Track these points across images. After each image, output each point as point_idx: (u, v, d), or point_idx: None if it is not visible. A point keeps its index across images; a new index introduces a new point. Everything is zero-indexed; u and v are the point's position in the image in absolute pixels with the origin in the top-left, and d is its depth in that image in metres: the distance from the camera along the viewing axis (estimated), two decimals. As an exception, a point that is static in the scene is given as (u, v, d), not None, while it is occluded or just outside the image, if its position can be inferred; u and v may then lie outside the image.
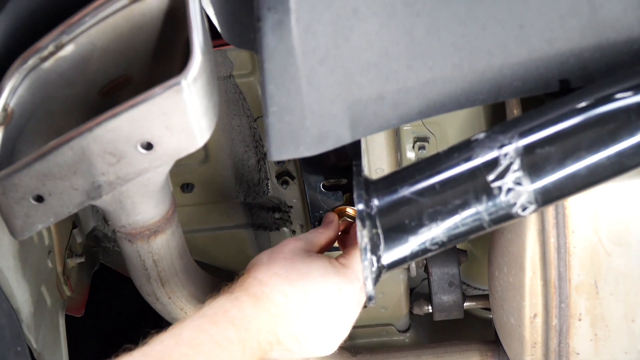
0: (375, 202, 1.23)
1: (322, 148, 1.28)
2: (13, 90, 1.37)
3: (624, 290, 1.50)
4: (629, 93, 1.13)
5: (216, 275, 1.85)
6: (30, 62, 1.38)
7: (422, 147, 2.04)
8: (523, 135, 1.16)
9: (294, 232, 2.24)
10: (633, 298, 1.51)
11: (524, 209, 1.16)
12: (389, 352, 2.22)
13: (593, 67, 1.29)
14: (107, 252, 2.26)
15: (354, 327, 2.38)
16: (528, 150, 1.15)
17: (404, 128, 2.03)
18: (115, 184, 1.32)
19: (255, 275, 1.38)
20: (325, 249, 1.54)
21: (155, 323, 1.42)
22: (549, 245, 1.47)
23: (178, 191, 2.12)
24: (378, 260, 1.22)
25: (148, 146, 1.27)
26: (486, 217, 1.18)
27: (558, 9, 1.27)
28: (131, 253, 1.57)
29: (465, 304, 2.08)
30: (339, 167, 1.84)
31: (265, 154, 2.06)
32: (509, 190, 1.15)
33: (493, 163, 1.16)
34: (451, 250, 2.06)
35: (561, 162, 1.14)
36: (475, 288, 2.44)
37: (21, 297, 1.63)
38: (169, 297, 1.68)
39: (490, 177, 1.16)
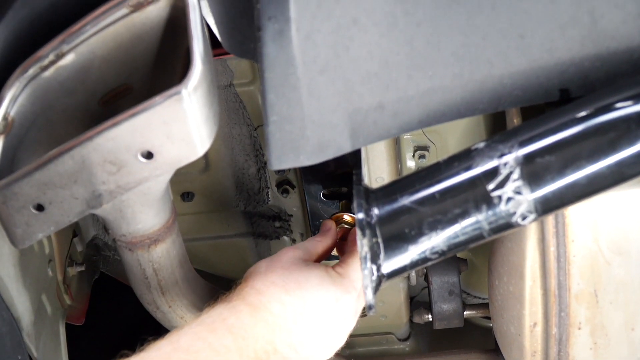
0: (375, 211, 1.23)
1: (323, 157, 1.28)
2: (13, 99, 1.38)
3: (623, 299, 1.50)
4: (629, 102, 1.13)
5: (216, 284, 1.85)
6: (31, 71, 1.38)
7: (422, 156, 2.04)
8: (523, 144, 1.16)
9: (294, 240, 2.24)
10: (633, 307, 1.51)
11: (524, 218, 1.16)
12: (389, 361, 2.23)
13: (593, 76, 1.29)
14: (107, 261, 2.26)
15: (354, 336, 2.39)
16: (528, 159, 1.15)
17: (404, 137, 2.04)
18: (115, 193, 1.32)
19: (253, 285, 1.38)
20: (323, 257, 1.54)
21: (155, 332, 1.42)
22: (549, 254, 1.47)
23: (178, 200, 2.12)
24: (378, 269, 1.22)
25: (148, 155, 1.27)
26: (486, 226, 1.17)
27: (558, 18, 1.27)
28: (131, 262, 1.57)
29: (465, 313, 2.08)
30: (339, 175, 1.84)
31: (265, 163, 2.06)
32: (509, 199, 1.15)
33: (493, 172, 1.16)
34: (451, 259, 2.06)
35: (561, 171, 1.14)
36: (475, 297, 2.43)
37: (22, 305, 1.63)
38: (169, 306, 1.68)
39: (490, 186, 1.16)
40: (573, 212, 1.42)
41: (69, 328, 1.92)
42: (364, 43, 1.27)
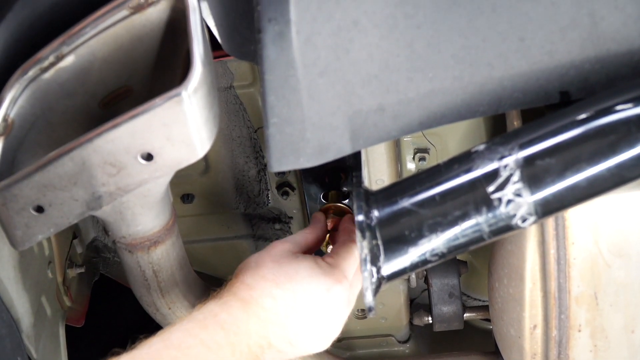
0: (375, 213, 1.23)
1: (323, 159, 1.28)
2: (13, 101, 1.38)
3: (624, 301, 1.50)
4: (629, 105, 1.13)
5: (216, 286, 1.84)
6: (31, 72, 1.38)
7: (422, 159, 2.04)
8: (523, 146, 1.16)
9: (294, 243, 2.24)
10: (633, 309, 1.51)
11: (524, 220, 1.16)
12: (389, 363, 2.23)
13: (593, 79, 1.29)
14: (107, 263, 2.26)
15: (354, 338, 2.39)
16: (528, 161, 1.15)
17: (405, 139, 2.04)
18: (115, 195, 1.32)
19: (243, 280, 1.38)
20: (314, 249, 1.53)
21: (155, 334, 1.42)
22: (549, 256, 1.47)
23: (178, 202, 2.12)
24: (378, 271, 1.22)
25: (148, 157, 1.27)
26: (486, 229, 1.17)
27: (558, 21, 1.27)
28: (131, 264, 1.57)
29: (465, 315, 2.08)
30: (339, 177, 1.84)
31: (265, 165, 2.06)
32: (509, 201, 1.15)
33: (493, 174, 1.16)
34: (451, 261, 2.06)
35: (561, 173, 1.14)
36: (475, 299, 2.43)
37: (21, 307, 1.63)
38: (169, 308, 1.68)
39: (490, 188, 1.16)
40: (573, 215, 1.42)
41: (69, 330, 1.92)
42: (364, 45, 1.27)
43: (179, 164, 1.30)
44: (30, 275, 1.67)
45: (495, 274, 1.67)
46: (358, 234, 1.21)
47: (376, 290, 1.23)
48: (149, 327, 1.79)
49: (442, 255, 1.21)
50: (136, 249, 1.52)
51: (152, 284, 1.61)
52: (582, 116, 1.15)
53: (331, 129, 1.27)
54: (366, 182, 1.87)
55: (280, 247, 1.45)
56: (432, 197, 1.20)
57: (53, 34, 1.39)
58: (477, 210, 1.17)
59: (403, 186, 1.25)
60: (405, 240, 1.20)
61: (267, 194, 2.12)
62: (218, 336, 1.28)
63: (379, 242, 1.22)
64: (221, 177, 2.09)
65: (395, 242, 1.21)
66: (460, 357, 2.15)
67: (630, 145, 1.12)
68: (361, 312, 2.28)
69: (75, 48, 1.39)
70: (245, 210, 2.16)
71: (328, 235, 1.61)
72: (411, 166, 2.07)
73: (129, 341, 1.27)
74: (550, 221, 1.43)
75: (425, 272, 2.08)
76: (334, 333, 1.44)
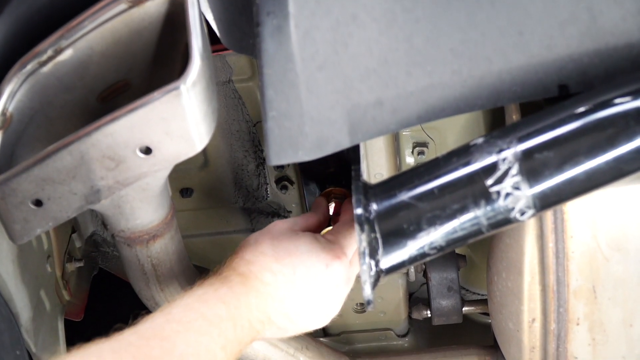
0: (374, 206, 1.24)
1: (321, 153, 1.28)
2: (12, 95, 1.37)
3: (622, 295, 1.51)
4: (628, 98, 1.13)
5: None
6: (29, 66, 1.38)
7: (421, 152, 2.04)
8: (522, 140, 1.16)
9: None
10: (631, 303, 1.51)
11: (523, 213, 1.16)
12: (388, 357, 2.23)
13: (592, 72, 1.29)
14: (106, 257, 2.26)
15: (353, 332, 2.39)
16: (527, 155, 1.15)
17: (403, 133, 2.04)
18: (114, 189, 1.32)
19: (243, 256, 1.39)
20: (315, 232, 1.53)
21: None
22: (548, 250, 1.47)
23: (177, 196, 2.12)
24: (376, 265, 1.22)
25: (147, 151, 1.27)
26: (485, 222, 1.18)
27: (557, 15, 1.27)
28: (130, 257, 1.57)
29: (464, 309, 2.08)
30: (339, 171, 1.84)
31: (264, 159, 2.06)
32: (508, 194, 1.15)
33: (492, 168, 1.16)
34: (450, 255, 2.06)
35: (560, 167, 1.14)
36: (474, 293, 2.43)
37: (20, 301, 1.63)
38: (168, 302, 1.68)
39: (489, 181, 1.16)
40: (572, 208, 1.42)
41: (68, 324, 1.92)
42: (363, 39, 1.27)
43: (177, 158, 1.30)
44: (29, 270, 1.67)
45: (493, 268, 1.67)
46: (357, 227, 1.21)
47: (375, 284, 1.23)
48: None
49: (440, 249, 1.21)
50: (135, 242, 1.52)
51: (151, 278, 1.61)
52: (581, 109, 1.15)
53: (330, 122, 1.27)
54: (365, 176, 1.86)
55: (280, 225, 1.45)
56: (431, 191, 1.20)
57: (51, 28, 1.39)
58: (476, 204, 1.17)
59: (402, 180, 1.25)
60: (404, 233, 1.20)
61: (266, 188, 2.12)
62: (219, 310, 1.28)
63: (378, 235, 1.22)
64: (220, 171, 2.09)
65: (394, 236, 1.21)
66: (459, 350, 2.15)
67: (629, 138, 1.12)
68: (360, 306, 2.28)
69: (74, 42, 1.39)
70: (244, 204, 2.15)
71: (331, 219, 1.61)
72: (410, 160, 2.07)
73: (130, 317, 1.27)
74: (549, 214, 1.44)
75: (424, 266, 2.08)
76: (333, 311, 1.45)
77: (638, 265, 1.47)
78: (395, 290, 2.23)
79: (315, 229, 1.54)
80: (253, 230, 2.22)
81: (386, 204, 1.23)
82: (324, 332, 2.40)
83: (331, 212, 1.64)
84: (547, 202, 1.16)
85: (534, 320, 1.57)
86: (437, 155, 1.25)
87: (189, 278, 1.69)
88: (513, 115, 1.51)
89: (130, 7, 1.38)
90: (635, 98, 1.13)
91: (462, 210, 1.18)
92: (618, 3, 1.27)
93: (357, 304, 2.28)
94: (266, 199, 2.14)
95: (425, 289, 2.21)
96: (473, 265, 2.32)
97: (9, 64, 1.38)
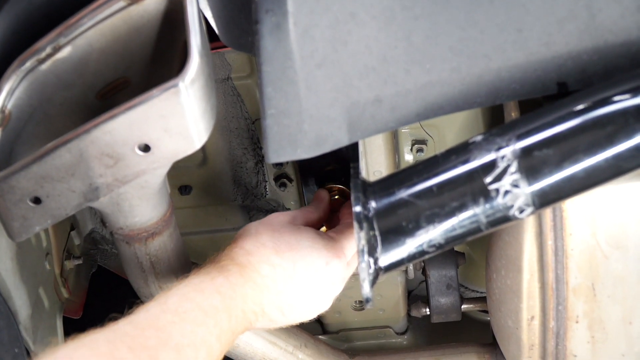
0: (373, 204, 1.24)
1: (320, 150, 1.28)
2: (10, 92, 1.37)
3: (621, 293, 1.50)
4: (627, 96, 1.13)
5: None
6: (28, 64, 1.38)
7: (420, 150, 2.04)
8: (521, 137, 1.16)
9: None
10: (630, 301, 1.51)
11: (522, 211, 1.16)
12: (386, 355, 2.22)
13: (591, 70, 1.29)
14: (105, 255, 2.26)
15: (351, 329, 2.39)
16: (526, 152, 1.15)
17: (402, 131, 2.04)
18: (112, 186, 1.32)
19: (243, 245, 1.39)
20: (314, 227, 1.53)
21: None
22: (547, 247, 1.47)
23: (176, 193, 2.11)
24: (375, 262, 1.22)
25: (145, 148, 1.27)
26: (483, 220, 1.18)
27: (556, 13, 1.27)
28: (129, 255, 1.56)
29: (462, 307, 2.08)
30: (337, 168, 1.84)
31: (263, 157, 2.06)
32: (507, 192, 1.15)
33: (490, 165, 1.16)
34: (449, 252, 2.06)
35: (559, 164, 1.14)
36: (473, 290, 2.44)
37: (19, 299, 1.63)
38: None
39: (488, 179, 1.16)
40: (571, 206, 1.42)
41: (67, 321, 1.92)
42: (362, 37, 1.27)
43: (176, 156, 1.30)
44: (27, 267, 1.67)
45: (492, 265, 1.67)
46: (355, 225, 1.21)
47: (373, 282, 1.23)
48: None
49: (439, 246, 1.21)
50: (133, 240, 1.52)
51: (150, 276, 1.61)
52: (580, 107, 1.15)
53: (329, 120, 1.27)
54: (364, 174, 1.87)
55: (281, 217, 1.45)
56: (430, 188, 1.20)
57: (50, 25, 1.39)
58: (475, 201, 1.17)
59: (400, 177, 1.25)
60: (403, 231, 1.20)
61: (265, 186, 2.12)
62: (214, 300, 1.27)
63: (377, 233, 1.22)
64: (219, 169, 2.09)
65: (393, 233, 1.21)
66: (457, 348, 2.15)
67: (628, 136, 1.12)
68: (359, 304, 2.28)
69: (73, 39, 1.39)
70: (243, 201, 2.15)
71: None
72: (409, 157, 2.07)
73: (126, 306, 1.26)
74: (548, 212, 1.44)
75: (423, 264, 2.08)
76: (323, 307, 1.45)
77: (637, 263, 1.47)
78: (394, 287, 2.23)
79: (315, 225, 1.53)
80: (252, 228, 2.22)
81: (385, 201, 1.23)
82: (323, 329, 2.40)
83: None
84: (546, 199, 1.16)
85: (533, 318, 1.57)
86: (436, 153, 1.25)
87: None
88: (512, 113, 1.51)
89: (129, 5, 1.38)
90: (634, 95, 1.13)
91: (461, 208, 1.18)
92: (617, 0, 1.27)
93: (356, 302, 2.28)
94: (265, 196, 2.14)
95: (424, 287, 2.21)
96: (472, 262, 2.32)
97: (8, 61, 1.38)
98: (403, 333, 2.46)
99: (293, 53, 1.24)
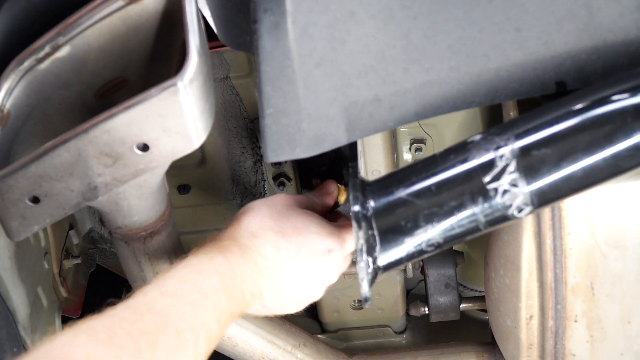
0: (371, 203, 1.24)
1: (319, 150, 1.28)
2: (9, 92, 1.37)
3: (620, 292, 1.50)
4: (625, 95, 1.13)
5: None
6: (27, 63, 1.38)
7: (418, 149, 2.04)
8: (519, 137, 1.16)
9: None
10: (629, 300, 1.51)
11: (520, 210, 1.16)
12: (385, 354, 2.22)
13: (589, 69, 1.29)
14: (103, 254, 2.26)
15: (350, 329, 2.39)
16: (524, 152, 1.15)
17: (401, 130, 2.04)
18: (111, 185, 1.32)
19: (247, 227, 1.37)
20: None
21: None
22: (545, 247, 1.47)
23: (175, 192, 2.12)
24: (374, 262, 1.22)
25: (144, 147, 1.27)
26: (482, 219, 1.18)
27: (555, 12, 1.27)
28: (127, 254, 1.56)
29: (461, 306, 2.08)
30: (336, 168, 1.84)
31: (262, 156, 2.06)
32: (505, 191, 1.15)
33: (489, 165, 1.16)
34: (448, 251, 2.06)
35: (557, 163, 1.14)
36: (471, 289, 2.44)
37: (17, 298, 1.63)
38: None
39: (486, 178, 1.16)
40: (569, 205, 1.42)
41: (65, 320, 1.92)
42: (360, 36, 1.27)
43: (174, 155, 1.30)
44: (26, 266, 1.67)
45: (491, 265, 1.67)
46: (354, 224, 1.21)
47: (372, 281, 1.23)
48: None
49: (438, 246, 1.21)
50: (132, 239, 1.52)
51: (148, 275, 1.61)
52: (578, 106, 1.15)
53: (327, 119, 1.27)
54: (362, 173, 1.87)
55: (285, 200, 1.43)
56: (428, 188, 1.20)
57: (49, 25, 1.39)
58: (473, 201, 1.17)
59: (399, 176, 1.25)
60: (402, 230, 1.21)
61: (264, 185, 2.12)
62: (213, 281, 1.26)
63: (375, 232, 1.22)
64: (217, 168, 2.09)
65: (392, 233, 1.21)
66: (456, 347, 2.15)
67: (626, 135, 1.12)
68: (357, 303, 2.28)
69: (71, 38, 1.39)
70: (242, 201, 2.15)
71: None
72: (407, 157, 2.07)
73: (124, 290, 1.25)
74: (546, 211, 1.43)
75: (421, 263, 2.08)
76: (315, 297, 1.44)
77: (636, 262, 1.47)
78: (393, 287, 2.23)
79: (318, 212, 1.52)
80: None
81: (383, 201, 1.23)
82: (322, 329, 2.40)
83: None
84: (544, 199, 1.16)
85: (531, 317, 1.57)
86: (434, 152, 1.25)
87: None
88: (510, 112, 1.51)
89: (127, 4, 1.38)
90: (633, 95, 1.13)
91: (460, 207, 1.18)
92: (615, 0, 1.27)
93: (354, 301, 2.28)
94: (264, 195, 2.14)
95: (422, 286, 2.21)
96: (471, 262, 2.32)
97: (7, 61, 1.38)
98: (402, 332, 2.46)
99: (292, 52, 1.24)
